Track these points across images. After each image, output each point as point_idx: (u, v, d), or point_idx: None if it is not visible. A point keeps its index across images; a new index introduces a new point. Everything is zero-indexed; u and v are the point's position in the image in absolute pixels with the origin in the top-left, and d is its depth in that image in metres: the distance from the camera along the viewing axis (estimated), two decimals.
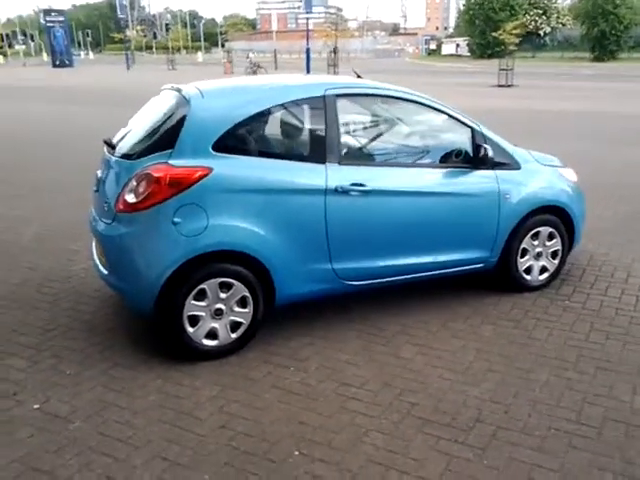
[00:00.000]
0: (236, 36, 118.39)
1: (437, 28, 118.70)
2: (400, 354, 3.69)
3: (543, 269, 4.57)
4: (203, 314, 3.53)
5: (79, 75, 39.81)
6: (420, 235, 4.04)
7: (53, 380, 3.44)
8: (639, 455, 2.74)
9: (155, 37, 73.59)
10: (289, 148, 4.09)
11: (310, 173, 3.67)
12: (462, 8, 71.07)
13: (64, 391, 3.33)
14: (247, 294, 3.61)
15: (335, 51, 30.40)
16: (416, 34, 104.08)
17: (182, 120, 3.51)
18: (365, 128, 4.44)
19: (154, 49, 78.06)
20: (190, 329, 3.51)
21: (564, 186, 4.57)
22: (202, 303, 3.51)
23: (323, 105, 3.76)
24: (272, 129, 3.96)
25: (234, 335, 3.65)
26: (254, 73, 28.60)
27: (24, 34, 77.09)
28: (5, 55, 70.32)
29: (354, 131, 4.26)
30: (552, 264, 4.59)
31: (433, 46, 77.67)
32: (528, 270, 4.52)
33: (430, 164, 4.21)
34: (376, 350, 3.75)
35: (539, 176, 4.45)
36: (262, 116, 3.72)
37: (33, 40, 76.66)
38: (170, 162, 3.43)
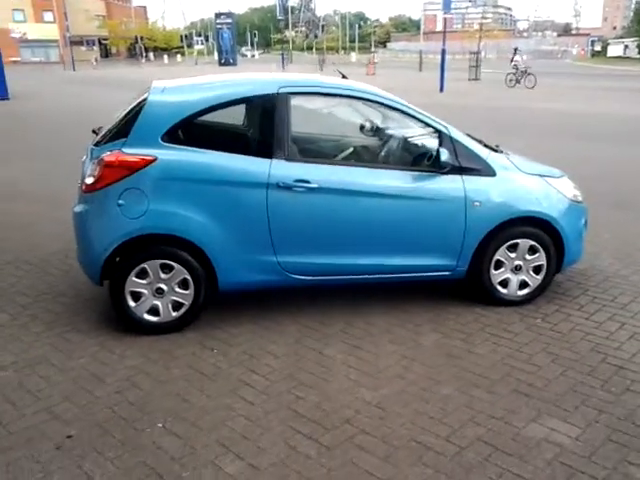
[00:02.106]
0: (398, 37, 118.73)
1: (614, 28, 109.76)
2: (325, 351, 3.73)
3: (524, 284, 4.30)
4: (145, 291, 3.84)
5: (233, 71, 42.30)
6: (371, 236, 4.01)
7: (17, 335, 3.94)
8: None
9: (316, 37, 76.20)
10: (237, 142, 4.25)
11: (254, 167, 3.81)
12: (634, 6, 65.09)
13: (19, 345, 3.81)
14: (188, 277, 3.84)
15: (478, 52, 29.65)
16: (588, 34, 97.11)
17: (139, 112, 3.83)
18: (319, 126, 4.46)
19: (314, 49, 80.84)
20: (132, 303, 3.83)
21: (550, 198, 4.25)
22: (144, 281, 3.82)
23: (275, 102, 3.88)
24: (222, 124, 4.16)
25: (175, 314, 3.91)
26: None
27: (200, 35, 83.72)
28: (183, 54, 76.86)
29: (306, 129, 4.32)
30: (534, 279, 4.30)
31: (598, 47, 72.30)
32: (505, 283, 4.27)
33: (388, 165, 4.16)
34: (305, 344, 3.82)
35: (517, 185, 4.18)
36: (211, 111, 3.92)
37: (207, 41, 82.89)
38: (123, 149, 3.76)
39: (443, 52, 23.74)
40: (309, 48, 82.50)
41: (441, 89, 24.06)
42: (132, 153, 3.74)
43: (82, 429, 2.96)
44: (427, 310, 4.26)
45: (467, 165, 4.04)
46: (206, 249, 3.80)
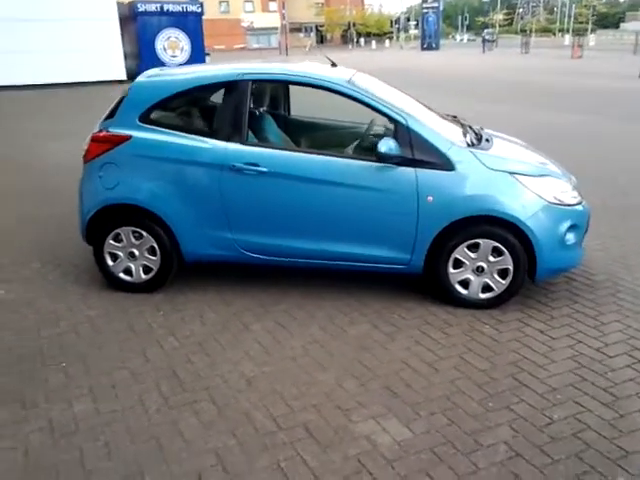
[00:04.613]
0: (635, 16, 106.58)
1: None
2: (251, 326, 3.94)
3: (487, 287, 4.05)
4: (121, 254, 4.39)
5: (429, 57, 42.00)
6: (320, 222, 4.09)
7: (33, 278, 4.76)
8: None
9: (522, 19, 71.91)
10: (201, 125, 4.53)
11: (212, 149, 4.13)
12: None
13: (28, 286, 4.61)
14: (155, 245, 4.32)
15: None
16: None
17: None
18: (279, 113, 4.57)
19: (530, 32, 76.43)
20: (110, 262, 4.42)
21: (518, 198, 3.91)
22: (119, 244, 4.37)
23: (233, 88, 4.14)
24: (190, 108, 4.51)
25: (145, 277, 4.42)
26: None
27: (409, 20, 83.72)
28: (391, 39, 77.76)
29: (266, 115, 4.47)
30: (499, 284, 4.02)
31: None
32: (466, 284, 4.07)
33: (341, 154, 4.16)
34: (240, 317, 4.06)
35: (477, 181, 3.92)
36: (181, 96, 4.30)
37: (417, 26, 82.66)
38: (109, 128, 4.33)
39: None
40: (522, 30, 78.08)
41: None
42: (115, 132, 4.27)
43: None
44: (380, 301, 4.22)
45: (422, 158, 3.90)
46: (168, 221, 4.22)
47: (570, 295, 4.27)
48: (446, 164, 3.90)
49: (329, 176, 4.01)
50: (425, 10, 55.19)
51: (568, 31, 60.15)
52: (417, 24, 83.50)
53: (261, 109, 4.97)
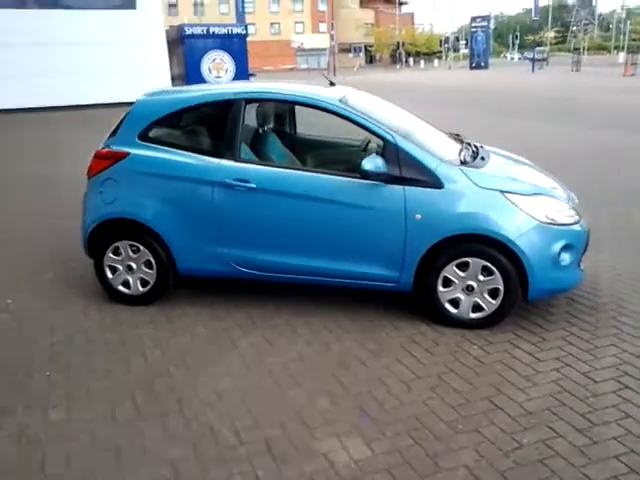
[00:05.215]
0: None
1: None
2: (240, 341, 3.95)
3: (478, 307, 3.97)
4: (120, 267, 4.50)
5: (477, 76, 41.63)
6: (311, 239, 4.10)
7: (42, 289, 4.93)
8: None
9: (575, 37, 70.42)
10: (195, 143, 4.61)
11: (205, 166, 4.21)
12: None
13: (35, 297, 4.77)
14: (151, 258, 4.41)
15: None
16: None
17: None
18: (271, 131, 4.61)
19: (581, 49, 74.81)
20: (110, 275, 4.53)
21: (507, 217, 3.82)
22: (118, 257, 4.49)
23: (229, 107, 4.23)
24: (187, 126, 4.61)
25: (142, 289, 4.51)
26: None
27: (459, 39, 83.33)
28: (440, 58, 77.54)
29: (269, 133, 4.53)
30: (490, 303, 3.93)
31: None
32: (456, 303, 4.00)
33: (330, 172, 4.15)
34: (230, 333, 4.07)
35: (465, 200, 3.85)
36: (178, 114, 4.42)
37: (467, 45, 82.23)
38: (111, 145, 4.48)
39: None
40: (575, 49, 76.59)
41: None
42: (114, 149, 4.41)
43: None
44: (371, 318, 4.18)
45: (410, 175, 3.88)
46: (163, 235, 4.31)
47: (568, 317, 4.13)
48: (434, 182, 3.86)
49: (317, 193, 4.02)
50: (474, 29, 54.93)
51: (623, 48, 58.55)
52: (467, 43, 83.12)
53: (265, 127, 5.03)
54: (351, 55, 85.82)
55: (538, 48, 56.80)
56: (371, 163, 3.81)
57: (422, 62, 71.33)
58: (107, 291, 4.59)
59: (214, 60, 25.05)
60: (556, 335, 3.88)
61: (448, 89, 28.89)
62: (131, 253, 4.42)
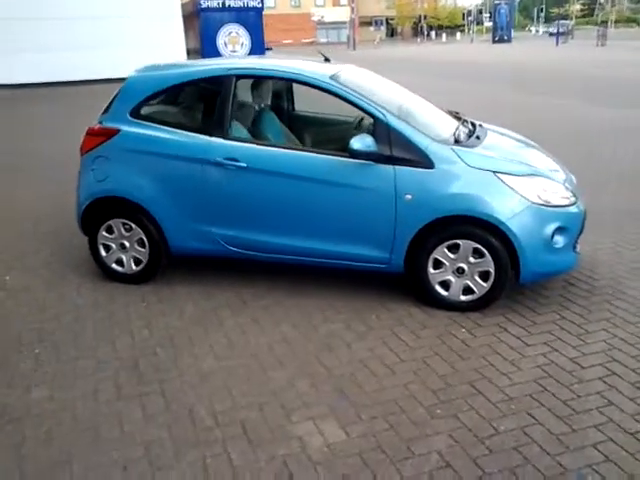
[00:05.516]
0: None
1: None
2: (227, 320, 3.96)
3: (469, 289, 3.91)
4: (113, 245, 4.51)
5: (496, 50, 40.78)
6: (300, 219, 4.06)
7: (39, 267, 4.97)
8: None
9: (603, 9, 68.39)
10: (187, 120, 4.56)
11: (195, 144, 4.17)
12: None
13: (32, 274, 4.81)
14: (143, 237, 4.41)
15: None
16: None
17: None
18: (269, 108, 4.54)
19: (612, 22, 72.63)
20: (104, 253, 4.55)
21: (499, 198, 3.73)
22: (111, 236, 4.49)
23: (220, 84, 4.17)
24: (178, 103, 4.55)
25: (135, 268, 4.52)
26: None
27: (482, 12, 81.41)
28: (462, 32, 75.95)
29: (249, 110, 4.45)
30: (481, 286, 3.87)
31: None
32: (447, 285, 3.95)
33: (320, 151, 4.07)
34: (221, 312, 4.08)
35: (457, 180, 3.77)
36: (169, 91, 4.37)
37: (491, 18, 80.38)
38: (103, 123, 4.45)
39: None
40: (603, 22, 74.44)
41: None
42: (106, 125, 4.39)
43: None
44: (362, 300, 4.15)
45: (400, 155, 3.80)
46: (154, 214, 4.30)
47: (562, 300, 4.06)
48: (425, 161, 3.78)
49: (307, 172, 3.97)
50: (497, 1, 53.58)
51: None
52: (490, 16, 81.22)
53: (262, 104, 4.96)
54: (372, 28, 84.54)
55: (562, 22, 55.25)
56: (360, 142, 3.74)
57: (444, 35, 69.95)
58: (101, 269, 4.61)
59: (230, 34, 24.87)
60: (547, 319, 3.81)
61: (464, 64, 28.35)
62: (124, 231, 4.42)
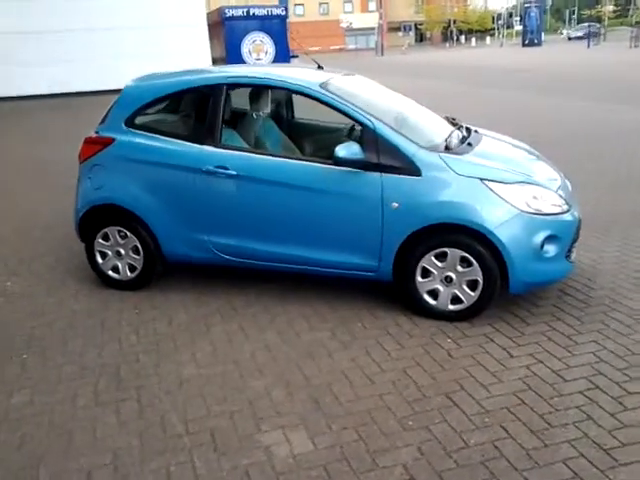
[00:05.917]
0: None
1: None
2: (214, 327, 3.98)
3: (457, 298, 3.86)
4: (109, 252, 4.58)
5: (526, 54, 40.26)
6: (289, 227, 4.06)
7: (42, 273, 5.06)
8: None
9: (638, 9, 66.97)
10: (179, 129, 4.58)
11: (188, 152, 4.21)
12: None
13: (33, 280, 4.91)
14: (138, 244, 4.47)
15: None
16: None
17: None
18: (253, 117, 4.54)
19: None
20: (100, 260, 4.61)
21: (487, 206, 3.67)
22: (107, 243, 4.56)
23: (211, 93, 4.20)
24: (171, 111, 4.59)
25: (130, 274, 4.58)
26: None
27: (511, 16, 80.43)
28: (492, 35, 75.16)
29: (246, 119, 4.47)
30: (469, 296, 3.81)
31: None
32: (435, 294, 3.90)
33: (309, 159, 4.08)
34: (210, 319, 4.10)
35: (444, 188, 3.72)
36: (163, 100, 4.43)
37: (521, 21, 79.32)
38: (100, 132, 4.53)
39: None
40: (638, 22, 72.80)
41: None
42: (103, 135, 4.46)
43: None
44: (350, 308, 4.12)
45: (387, 162, 3.78)
46: (147, 221, 4.34)
47: (555, 310, 3.97)
48: (412, 169, 3.75)
49: (295, 180, 3.97)
50: (527, 4, 52.93)
51: None
52: (521, 19, 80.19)
53: (260, 112, 4.97)
54: (400, 34, 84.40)
55: (592, 24, 54.29)
56: (345, 150, 3.72)
57: (473, 40, 69.33)
58: (98, 276, 4.67)
59: (254, 42, 25.07)
60: (536, 329, 3.73)
61: (489, 68, 28.05)
62: (119, 239, 4.48)
